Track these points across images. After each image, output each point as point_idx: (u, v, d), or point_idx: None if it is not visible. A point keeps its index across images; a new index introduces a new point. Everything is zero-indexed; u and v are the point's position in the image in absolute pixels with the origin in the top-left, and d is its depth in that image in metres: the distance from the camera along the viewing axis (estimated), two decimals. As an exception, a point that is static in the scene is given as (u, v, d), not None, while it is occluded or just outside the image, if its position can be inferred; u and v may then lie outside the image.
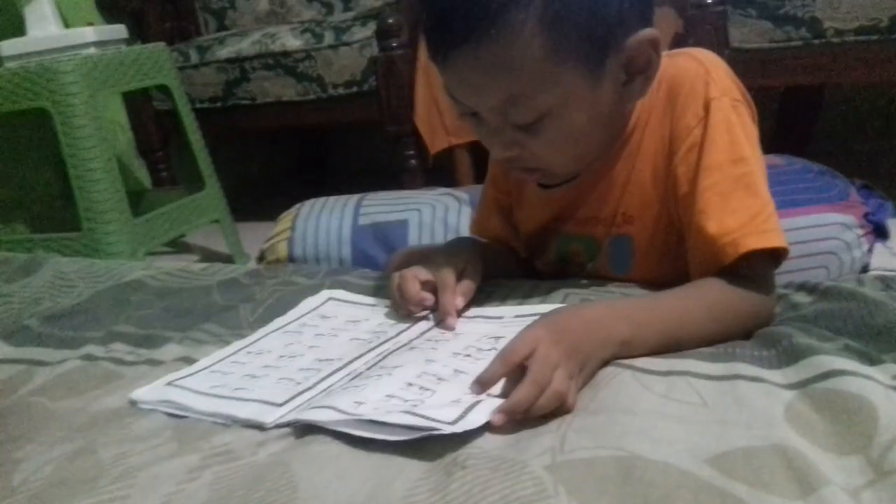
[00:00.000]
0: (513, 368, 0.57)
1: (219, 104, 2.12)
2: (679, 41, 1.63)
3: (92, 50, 1.69)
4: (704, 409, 0.54)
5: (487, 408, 0.55)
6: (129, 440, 0.61)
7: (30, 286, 1.08)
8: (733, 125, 0.70)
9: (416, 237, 1.30)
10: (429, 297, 0.76)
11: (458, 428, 0.53)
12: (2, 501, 0.56)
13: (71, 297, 1.01)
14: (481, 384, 0.58)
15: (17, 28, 1.80)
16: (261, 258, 1.41)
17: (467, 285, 0.77)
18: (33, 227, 1.94)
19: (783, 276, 0.75)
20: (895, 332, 0.60)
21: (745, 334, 0.67)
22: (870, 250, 1.25)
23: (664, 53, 0.71)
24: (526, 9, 0.62)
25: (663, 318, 0.64)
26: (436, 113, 1.93)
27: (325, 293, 0.87)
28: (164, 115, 2.16)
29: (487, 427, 0.54)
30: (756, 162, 0.71)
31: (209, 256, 2.11)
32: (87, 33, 1.74)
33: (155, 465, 0.57)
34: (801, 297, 0.72)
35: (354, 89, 1.94)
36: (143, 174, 2.32)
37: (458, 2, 0.63)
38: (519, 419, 0.55)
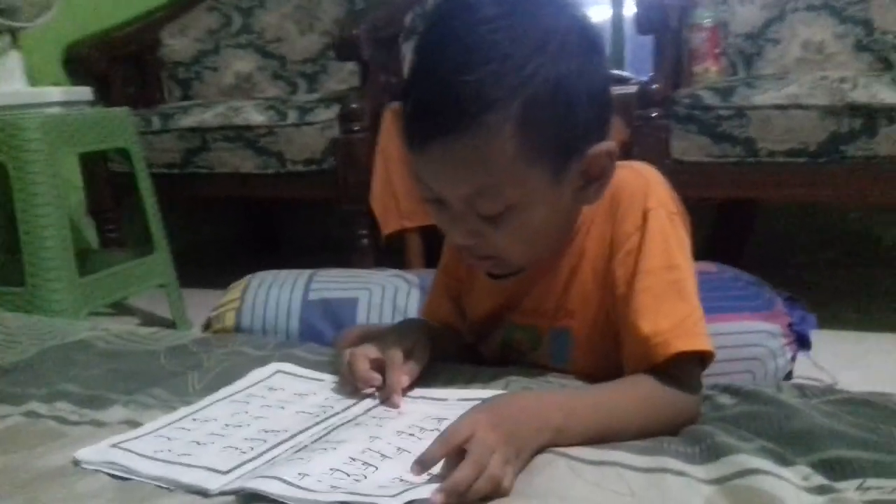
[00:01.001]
0: (453, 450, 0.60)
1: (176, 171, 2.14)
2: (625, 149, 1.73)
3: (56, 109, 1.72)
4: (632, 499, 0.58)
5: (427, 489, 0.58)
6: (72, 498, 0.62)
7: (-30, 342, 1.07)
8: (668, 235, 0.77)
9: (365, 316, 1.33)
10: (377, 377, 0.79)
11: (399, 502, 0.55)
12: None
13: (15, 353, 1.01)
14: (421, 464, 0.61)
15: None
16: (207, 326, 1.41)
17: (413, 365, 0.80)
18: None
19: (711, 378, 0.80)
20: (807, 437, 0.65)
21: (672, 430, 0.71)
22: (793, 358, 1.33)
23: None
24: (505, 111, 0.68)
25: (595, 408, 0.68)
26: (391, 196, 1.99)
27: (273, 365, 0.89)
28: (119, 176, 2.17)
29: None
30: (687, 270, 0.77)
31: (151, 321, 2.09)
32: (53, 93, 1.77)
33: (96, 526, 0.57)
34: (726, 399, 0.77)
35: (313, 167, 1.99)
36: (90, 233, 2.31)
37: (442, 96, 0.68)
38: (461, 499, 0.57)
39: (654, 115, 1.72)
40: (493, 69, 0.67)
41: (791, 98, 1.67)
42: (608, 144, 0.74)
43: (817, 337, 1.33)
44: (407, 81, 0.74)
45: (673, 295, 0.75)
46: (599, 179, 0.75)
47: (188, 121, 2.10)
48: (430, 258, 2.06)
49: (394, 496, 0.56)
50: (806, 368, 1.40)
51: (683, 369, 0.73)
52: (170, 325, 2.03)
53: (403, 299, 1.34)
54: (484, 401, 0.66)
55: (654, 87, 1.76)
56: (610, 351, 0.80)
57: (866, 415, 0.69)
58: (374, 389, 0.79)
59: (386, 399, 0.77)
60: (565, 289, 0.83)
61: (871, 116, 1.62)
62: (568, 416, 0.66)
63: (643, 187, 0.79)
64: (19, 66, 1.81)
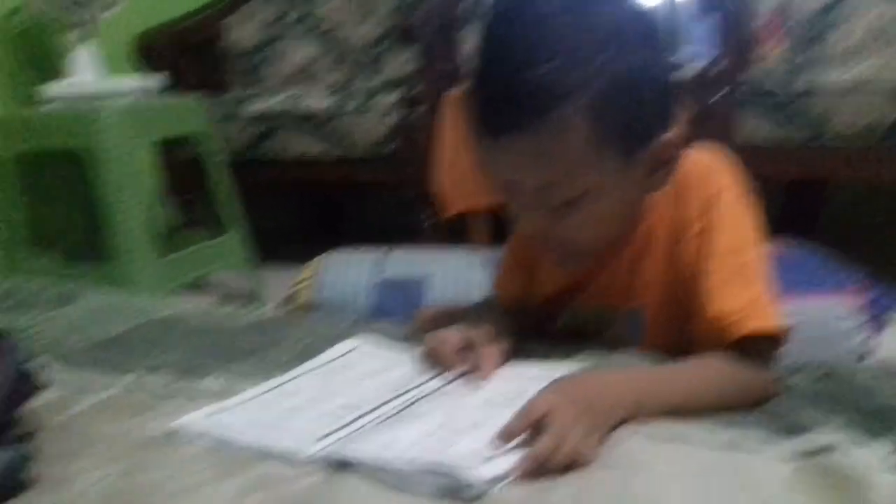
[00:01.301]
0: (532, 423, 0.62)
1: (244, 156, 2.20)
2: (689, 133, 1.72)
3: (132, 98, 1.78)
4: (707, 479, 0.59)
5: (508, 460, 0.60)
6: (175, 463, 0.66)
7: (68, 315, 1.13)
8: (735, 217, 0.78)
9: (436, 295, 1.36)
10: (462, 362, 0.80)
11: (481, 474, 0.58)
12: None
13: (101, 330, 1.06)
14: (502, 437, 0.63)
15: (59, 74, 1.89)
16: (285, 303, 1.46)
17: (501, 349, 0.82)
18: (63, 260, 2.00)
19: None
20: (890, 413, 0.66)
21: (746, 408, 0.72)
22: (869, 339, 1.31)
23: None
24: (576, 104, 0.70)
25: (671, 386, 0.70)
26: (458, 176, 2.01)
27: (354, 339, 0.93)
28: (197, 160, 2.24)
29: (506, 477, 0.59)
30: (756, 251, 0.78)
31: (229, 297, 2.16)
32: (129, 81, 1.83)
33: (202, 487, 0.61)
34: (800, 380, 0.78)
35: (375, 152, 2.03)
36: (173, 215, 2.39)
37: (514, 91, 0.70)
38: (538, 472, 0.59)
39: (719, 97, 1.70)
40: (563, 63, 0.70)
41: (859, 78, 1.64)
42: (674, 133, 0.76)
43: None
44: (475, 73, 0.75)
45: (742, 277, 0.76)
46: (666, 166, 0.77)
47: (254, 108, 2.16)
48: (496, 236, 2.08)
49: (477, 466, 0.59)
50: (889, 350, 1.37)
51: (755, 349, 0.74)
52: (245, 303, 2.10)
53: (473, 276, 1.36)
54: (559, 379, 0.68)
55: (718, 68, 1.75)
56: (681, 330, 0.82)
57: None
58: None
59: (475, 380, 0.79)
60: (634, 271, 0.84)
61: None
62: (643, 393, 0.68)
63: (709, 170, 0.80)
64: (95, 55, 1.88)
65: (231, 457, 0.67)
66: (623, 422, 0.67)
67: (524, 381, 0.77)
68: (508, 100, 0.71)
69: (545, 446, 0.60)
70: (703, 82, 1.75)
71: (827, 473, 0.58)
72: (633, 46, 0.72)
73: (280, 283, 2.26)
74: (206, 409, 0.76)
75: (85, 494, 0.62)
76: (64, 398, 0.82)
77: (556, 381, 0.68)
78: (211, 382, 0.84)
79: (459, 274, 1.37)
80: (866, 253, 1.92)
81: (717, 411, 0.70)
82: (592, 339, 0.90)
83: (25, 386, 0.74)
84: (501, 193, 0.80)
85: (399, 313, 1.36)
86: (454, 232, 2.05)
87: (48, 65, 1.96)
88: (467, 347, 0.80)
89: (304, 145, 2.10)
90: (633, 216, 0.82)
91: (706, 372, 0.73)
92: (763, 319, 0.74)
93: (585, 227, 0.78)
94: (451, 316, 1.06)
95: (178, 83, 2.32)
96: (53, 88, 1.82)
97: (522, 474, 0.59)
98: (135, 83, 1.88)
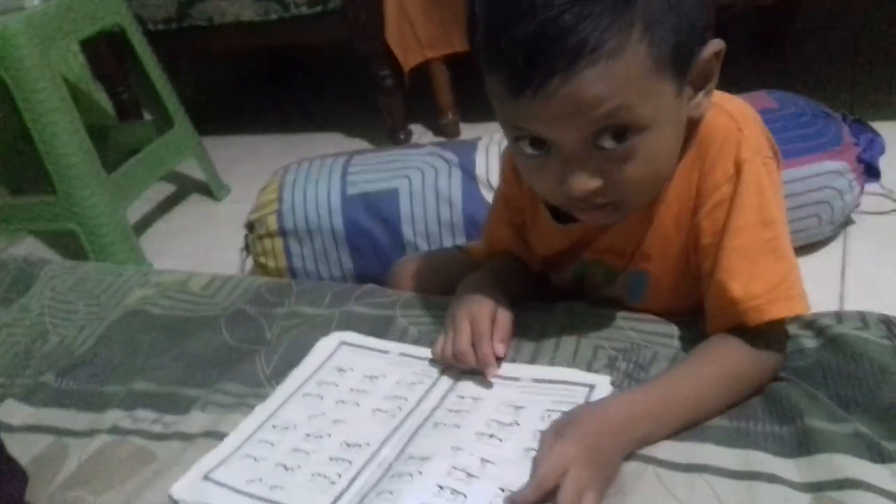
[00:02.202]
0: (546, 494, 0.60)
1: (174, 25, 1.99)
2: None
3: (36, 2, 1.57)
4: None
5: None
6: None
7: (28, 310, 1.08)
8: (763, 187, 0.70)
9: (408, 207, 1.29)
10: (473, 358, 0.77)
11: None
12: None
13: (73, 328, 1.01)
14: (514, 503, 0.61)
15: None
16: (251, 228, 1.39)
17: (504, 328, 0.78)
18: (7, 183, 1.88)
19: None
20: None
21: (759, 390, 0.70)
22: (861, 190, 1.27)
23: None
24: (628, 28, 0.59)
25: (683, 407, 0.67)
26: (408, 27, 1.84)
27: (335, 336, 0.88)
28: (118, 37, 2.03)
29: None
30: (783, 223, 0.71)
31: (188, 188, 2.07)
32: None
33: None
34: (808, 341, 0.75)
35: (319, 8, 1.83)
36: (103, 100, 2.22)
37: (556, 29, 0.58)
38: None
39: None
40: None
41: None
42: (715, 44, 0.67)
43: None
44: (487, 23, 0.63)
45: (768, 254, 0.70)
46: (706, 85, 0.69)
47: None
48: (459, 90, 1.95)
49: None
50: (877, 202, 1.35)
51: (775, 331, 0.71)
52: (206, 190, 2.01)
53: (445, 183, 1.29)
54: (570, 423, 0.64)
55: None
56: (687, 294, 0.78)
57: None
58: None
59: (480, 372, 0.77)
60: (644, 233, 0.78)
61: None
62: (655, 422, 0.66)
63: (735, 134, 0.71)
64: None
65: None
66: (636, 449, 0.65)
67: (520, 389, 0.75)
68: (551, 42, 0.59)
69: None
70: None
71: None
72: None
73: (237, 156, 2.17)
74: (202, 464, 0.74)
75: None
76: (46, 457, 0.79)
77: (565, 429, 0.64)
78: (198, 418, 0.81)
79: (428, 180, 1.28)
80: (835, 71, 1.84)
81: (731, 407, 0.69)
82: (594, 294, 0.87)
83: (14, 483, 0.72)
84: (530, 165, 0.70)
85: (375, 231, 1.30)
86: (416, 87, 1.91)
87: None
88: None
89: (238, 7, 1.89)
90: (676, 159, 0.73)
91: (720, 370, 0.69)
92: (788, 303, 0.69)
93: (645, 171, 0.67)
94: (431, 269, 1.01)
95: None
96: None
97: None
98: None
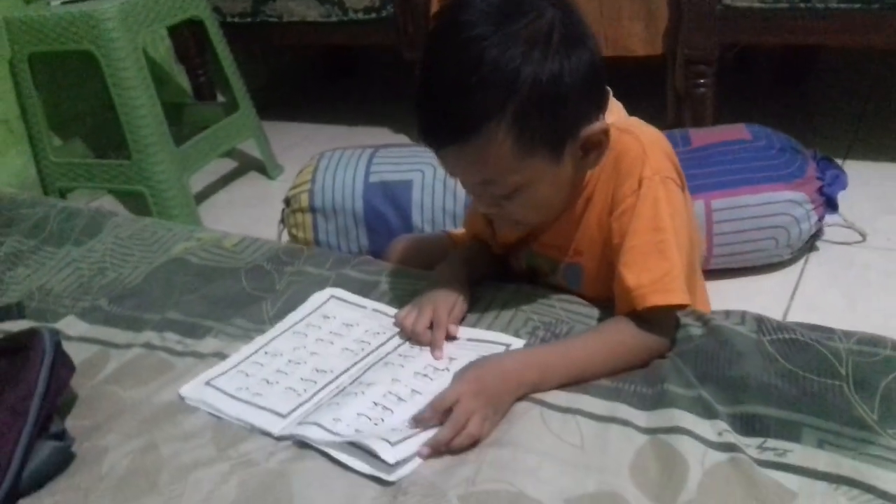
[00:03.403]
0: (440, 415, 0.78)
1: (248, 19, 2.24)
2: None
3: (129, -10, 1.82)
4: (581, 452, 0.75)
5: (417, 442, 0.77)
6: (180, 438, 0.86)
7: (94, 251, 1.31)
8: (659, 200, 0.88)
9: (419, 196, 1.49)
10: (428, 337, 0.94)
11: (395, 453, 0.75)
12: (93, 486, 0.81)
13: (128, 267, 1.24)
14: (415, 422, 0.80)
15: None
16: (287, 203, 1.61)
17: (458, 317, 0.96)
18: (89, 144, 2.15)
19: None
20: (739, 386, 0.80)
21: (644, 364, 0.87)
22: (820, 219, 1.41)
23: (616, 126, 0.89)
24: (499, 117, 0.79)
25: (569, 364, 0.84)
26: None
27: (328, 291, 1.08)
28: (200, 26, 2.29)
29: (415, 457, 0.76)
30: (672, 231, 0.87)
31: (246, 165, 2.31)
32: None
33: (198, 468, 0.81)
34: (696, 330, 0.91)
35: (373, 15, 2.04)
36: (184, 81, 2.48)
37: (444, 113, 0.81)
38: (444, 451, 0.76)
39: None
40: (485, 83, 0.78)
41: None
42: (600, 125, 0.85)
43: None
44: (416, 93, 0.84)
45: (656, 254, 0.87)
46: (597, 149, 0.87)
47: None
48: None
49: (392, 445, 0.76)
50: (836, 232, 1.47)
51: (658, 317, 0.87)
52: (261, 168, 2.25)
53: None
54: (471, 365, 0.83)
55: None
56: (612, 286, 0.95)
57: (801, 361, 0.82)
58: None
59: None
60: (576, 232, 0.96)
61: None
62: (543, 372, 0.83)
63: (641, 155, 0.89)
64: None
65: (225, 430, 0.86)
66: (525, 396, 0.83)
67: (457, 346, 0.93)
68: (440, 121, 0.83)
69: (445, 434, 0.76)
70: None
71: (667, 451, 0.73)
72: (553, 54, 0.80)
73: (294, 141, 2.39)
74: (206, 374, 0.95)
75: (112, 472, 0.82)
76: (91, 360, 1.02)
77: (465, 369, 0.83)
78: (211, 342, 1.02)
79: (439, 174, 1.48)
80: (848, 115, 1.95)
81: (615, 373, 0.85)
82: (542, 281, 1.05)
83: (65, 370, 0.93)
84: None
85: (390, 216, 1.50)
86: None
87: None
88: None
89: (303, 7, 2.12)
90: (573, 191, 0.93)
91: (609, 339, 0.87)
92: (667, 294, 0.86)
93: (527, 210, 0.91)
94: (418, 248, 1.21)
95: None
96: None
97: (428, 455, 0.76)
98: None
